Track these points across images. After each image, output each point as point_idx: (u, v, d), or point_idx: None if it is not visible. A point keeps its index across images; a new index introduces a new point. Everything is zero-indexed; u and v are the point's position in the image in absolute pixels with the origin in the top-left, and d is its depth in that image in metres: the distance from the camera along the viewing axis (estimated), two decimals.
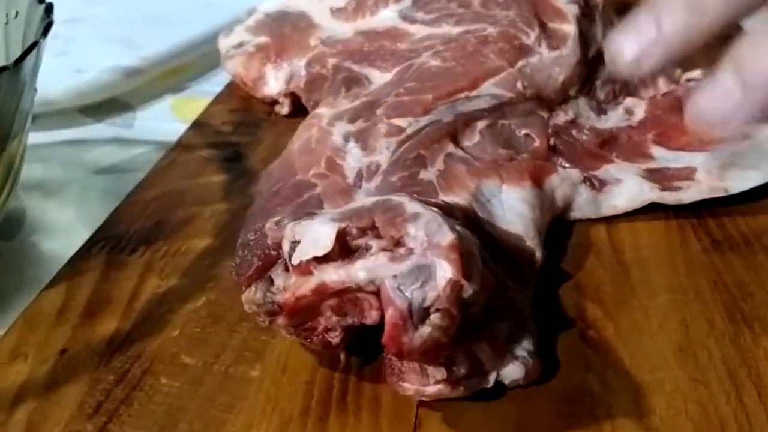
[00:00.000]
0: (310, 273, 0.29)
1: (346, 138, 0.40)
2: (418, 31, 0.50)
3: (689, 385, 0.32)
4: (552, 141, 0.44)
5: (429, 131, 0.40)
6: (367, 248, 0.29)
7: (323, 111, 0.43)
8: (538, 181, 0.40)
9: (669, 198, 0.42)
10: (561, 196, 0.41)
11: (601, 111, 0.49)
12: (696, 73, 0.54)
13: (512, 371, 0.31)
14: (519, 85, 0.46)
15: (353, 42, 0.51)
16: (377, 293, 0.28)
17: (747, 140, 0.44)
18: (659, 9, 0.29)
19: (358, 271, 0.28)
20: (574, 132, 0.45)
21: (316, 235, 0.29)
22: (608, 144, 0.45)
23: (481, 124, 0.43)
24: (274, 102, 0.53)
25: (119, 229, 0.41)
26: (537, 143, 0.43)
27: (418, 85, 0.45)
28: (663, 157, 0.44)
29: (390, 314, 0.27)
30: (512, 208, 0.37)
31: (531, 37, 0.48)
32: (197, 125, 0.52)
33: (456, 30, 0.50)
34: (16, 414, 0.31)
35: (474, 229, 0.33)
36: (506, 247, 0.36)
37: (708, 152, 0.44)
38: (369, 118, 0.42)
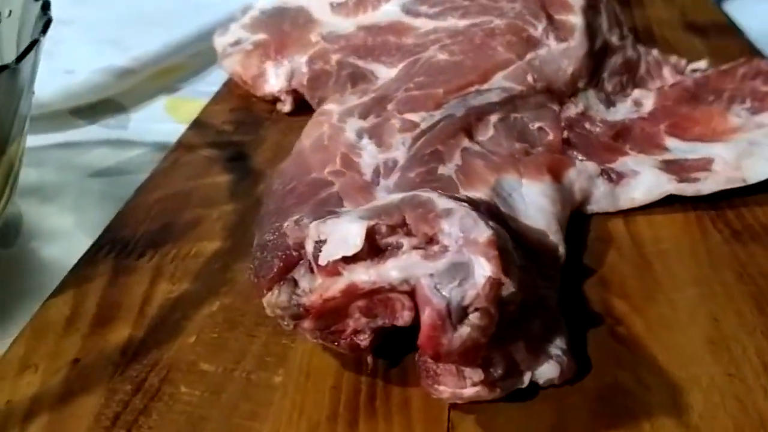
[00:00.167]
0: (338, 273, 0.28)
1: (360, 134, 0.39)
2: (423, 24, 0.49)
3: (725, 379, 0.31)
4: (565, 134, 0.43)
5: (443, 126, 0.39)
6: (398, 246, 0.28)
7: (332, 107, 0.42)
8: (556, 174, 0.39)
9: (687, 189, 0.41)
10: (579, 189, 0.40)
11: (610, 103, 0.48)
12: (701, 64, 0.54)
13: (547, 370, 0.30)
14: (529, 78, 0.45)
15: (356, 37, 0.50)
16: (411, 293, 0.27)
17: (762, 129, 0.44)
18: None
19: (390, 271, 0.27)
20: (586, 125, 0.45)
21: (345, 233, 0.28)
22: (621, 136, 0.44)
23: (493, 118, 0.42)
24: (275, 100, 0.52)
25: (125, 233, 0.40)
26: (551, 136, 0.42)
27: (428, 80, 0.44)
28: (678, 148, 0.44)
29: (427, 315, 0.26)
30: (533, 203, 0.36)
31: (538, 29, 0.48)
32: (197, 125, 0.50)
33: (462, 23, 0.49)
34: (30, 428, 0.29)
35: (499, 225, 0.32)
36: (530, 243, 0.35)
37: (723, 142, 0.43)
38: (380, 113, 0.41)
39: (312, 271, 0.30)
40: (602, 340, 0.33)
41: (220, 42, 0.56)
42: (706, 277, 0.37)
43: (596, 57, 0.49)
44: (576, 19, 0.49)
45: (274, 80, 0.51)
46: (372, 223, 0.28)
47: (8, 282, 0.41)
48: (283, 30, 0.53)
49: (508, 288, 0.26)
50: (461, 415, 0.30)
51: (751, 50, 0.62)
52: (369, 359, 0.30)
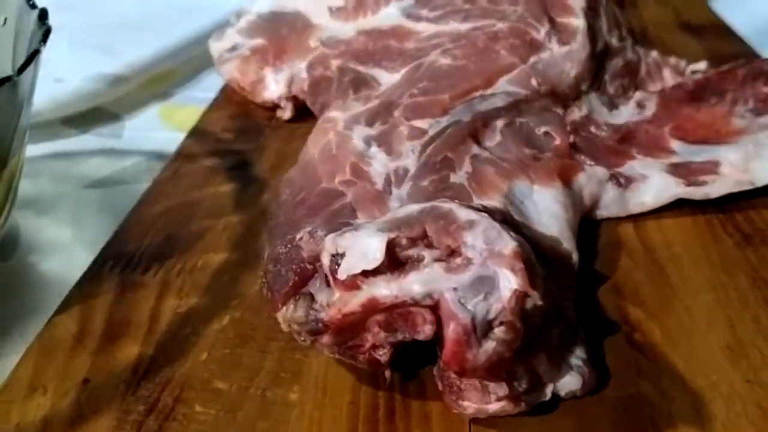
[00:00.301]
0: (357, 287, 0.28)
1: (368, 142, 0.38)
2: (424, 28, 0.49)
3: (745, 387, 0.31)
4: (571, 138, 0.43)
5: (451, 132, 0.39)
6: (419, 259, 0.27)
7: (336, 114, 0.42)
8: (566, 180, 0.39)
9: (696, 193, 0.41)
10: (588, 194, 0.40)
11: (612, 106, 0.48)
12: (700, 65, 0.54)
13: (569, 382, 0.29)
14: (533, 82, 0.45)
15: (356, 42, 0.50)
16: (433, 307, 0.27)
17: (767, 131, 0.44)
18: None
19: (412, 284, 0.27)
20: (592, 128, 0.44)
21: (365, 247, 0.27)
22: (627, 139, 0.44)
23: (500, 123, 0.41)
24: (275, 106, 0.51)
25: (129, 246, 0.39)
26: (558, 141, 0.42)
27: (432, 85, 0.43)
28: (684, 150, 0.43)
29: (452, 330, 0.25)
30: (546, 210, 0.36)
31: (541, 32, 0.47)
32: (196, 133, 0.50)
33: (464, 27, 0.48)
34: None
35: (517, 234, 0.31)
36: (544, 251, 0.34)
37: (729, 144, 0.43)
38: (386, 120, 0.40)
39: (329, 284, 0.29)
40: (620, 349, 0.33)
41: (216, 47, 0.55)
42: (720, 282, 0.37)
43: (598, 59, 0.49)
44: (578, 22, 0.48)
45: (274, 86, 0.50)
46: (392, 235, 0.27)
47: (7, 297, 0.40)
48: (281, 35, 0.52)
49: (535, 300, 0.25)
50: (482, 429, 0.29)
51: (745, 50, 0.62)
52: (387, 374, 0.30)
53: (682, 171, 0.42)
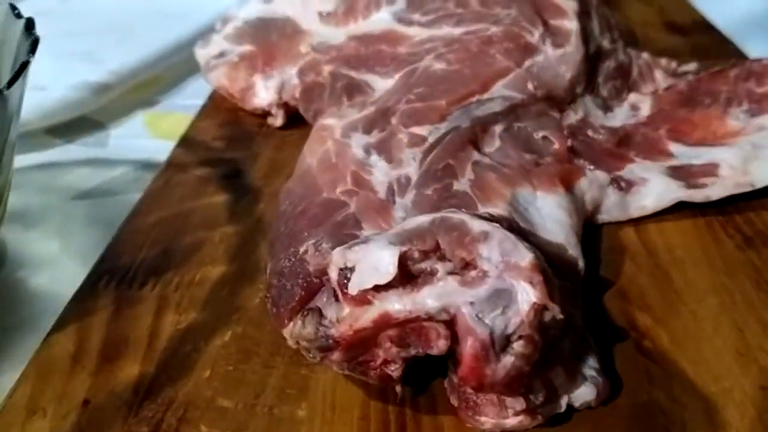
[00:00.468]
0: (368, 302, 0.27)
1: (367, 150, 0.38)
2: (416, 33, 0.48)
3: (757, 392, 0.31)
4: (569, 142, 0.42)
5: (451, 139, 0.38)
6: (432, 272, 0.27)
7: (332, 122, 0.41)
8: (568, 185, 0.38)
9: (697, 196, 0.41)
10: (590, 199, 0.39)
11: (607, 108, 0.48)
12: (691, 66, 0.54)
13: (584, 393, 0.29)
14: (530, 86, 0.44)
15: (348, 47, 0.49)
16: (448, 322, 0.26)
17: (764, 131, 0.44)
18: None
19: (426, 299, 0.26)
20: (589, 132, 0.44)
21: (376, 260, 0.26)
22: (624, 143, 0.44)
23: (498, 129, 0.41)
24: (265, 113, 0.50)
25: (123, 260, 0.38)
26: (556, 145, 0.41)
27: (428, 90, 0.43)
28: (682, 153, 0.43)
29: (470, 345, 0.25)
30: (550, 216, 0.36)
31: (535, 35, 0.47)
32: (186, 142, 0.49)
33: (457, 31, 0.48)
34: None
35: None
36: (551, 258, 0.33)
37: (727, 146, 0.43)
38: (384, 127, 0.40)
39: (337, 299, 0.28)
40: (630, 356, 0.33)
41: (202, 54, 0.54)
42: (724, 285, 0.36)
43: (591, 62, 0.49)
44: (571, 24, 0.48)
45: (264, 93, 0.50)
46: (404, 248, 0.26)
47: None
48: (270, 41, 0.52)
49: (554, 313, 0.25)
50: None
51: (731, 48, 0.62)
52: (398, 389, 0.29)
53: (682, 174, 0.41)
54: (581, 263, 0.35)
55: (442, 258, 0.27)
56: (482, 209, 0.34)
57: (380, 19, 0.50)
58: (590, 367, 0.29)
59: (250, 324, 0.34)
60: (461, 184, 0.35)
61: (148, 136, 0.57)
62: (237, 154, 0.47)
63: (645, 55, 0.54)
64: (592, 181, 0.39)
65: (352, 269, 0.27)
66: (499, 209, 0.34)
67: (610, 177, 0.40)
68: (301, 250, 0.31)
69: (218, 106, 0.53)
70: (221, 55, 0.53)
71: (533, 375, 0.27)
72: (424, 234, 0.27)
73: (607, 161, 0.42)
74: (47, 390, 0.31)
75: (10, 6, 0.41)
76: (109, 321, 0.34)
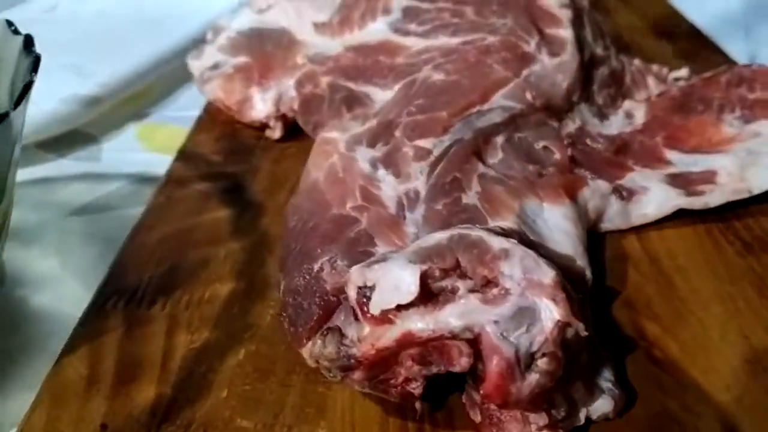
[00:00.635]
0: (389, 321, 0.27)
1: (374, 164, 0.38)
2: (413, 43, 0.48)
3: (767, 399, 0.31)
4: (569, 152, 0.43)
5: (455, 151, 0.39)
6: (453, 290, 0.27)
7: (335, 135, 0.41)
8: (572, 195, 0.39)
9: (696, 203, 0.41)
10: (593, 208, 0.40)
11: (603, 116, 0.49)
12: (682, 72, 0.55)
13: (602, 405, 0.29)
14: (528, 96, 0.44)
15: (344, 58, 0.49)
16: (471, 340, 0.26)
17: (759, 137, 0.45)
18: None
19: (449, 318, 0.26)
20: (588, 141, 0.44)
21: (397, 279, 0.27)
22: (623, 151, 0.44)
23: (500, 140, 0.41)
24: (262, 126, 0.50)
25: (130, 279, 0.38)
26: (557, 155, 0.42)
27: (429, 102, 0.43)
28: (680, 161, 0.44)
29: (496, 364, 0.25)
30: (557, 227, 0.36)
31: (531, 44, 0.47)
32: (185, 156, 0.48)
33: (454, 41, 0.48)
34: None
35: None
36: (561, 269, 0.34)
37: (723, 153, 0.44)
38: (388, 140, 0.40)
39: (356, 318, 0.28)
40: (641, 366, 0.33)
41: (196, 66, 0.54)
42: (728, 293, 0.37)
43: (586, 70, 0.49)
44: (566, 33, 0.48)
45: (261, 105, 0.49)
46: (425, 267, 0.27)
47: (2, 334, 0.38)
48: (265, 52, 0.51)
49: (580, 330, 0.25)
50: None
51: (719, 53, 0.63)
52: (418, 405, 0.29)
53: (681, 181, 0.42)
54: (589, 273, 0.35)
55: (463, 276, 0.27)
56: (492, 223, 0.34)
57: (376, 30, 0.50)
58: (606, 379, 0.30)
59: (264, 342, 0.34)
60: (469, 198, 0.35)
61: (141, 149, 0.56)
62: (237, 167, 0.47)
63: (637, 62, 0.54)
64: (594, 190, 0.40)
65: (371, 288, 0.27)
66: (508, 222, 0.34)
67: (611, 186, 0.40)
68: (316, 267, 0.31)
69: (214, 118, 0.52)
70: (216, 66, 0.52)
71: (555, 390, 0.27)
72: (444, 252, 0.27)
73: (607, 170, 0.42)
74: (63, 415, 0.30)
75: (6, 22, 0.40)
76: (121, 342, 0.34)
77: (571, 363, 0.27)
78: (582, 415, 0.29)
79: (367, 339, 0.27)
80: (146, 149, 0.56)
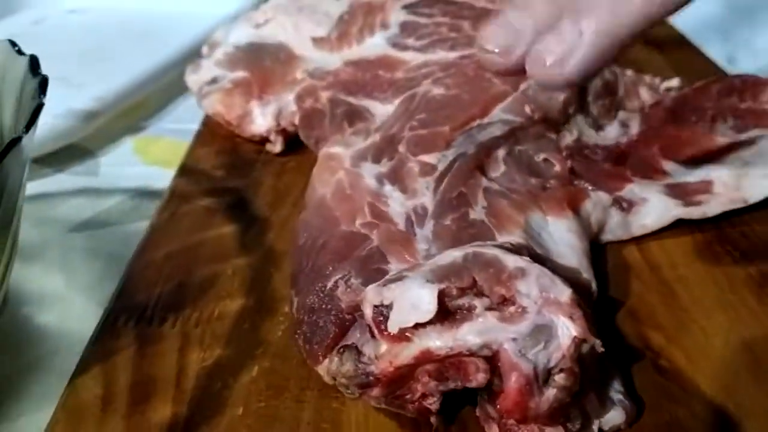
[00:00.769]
0: (407, 339, 0.28)
1: (380, 180, 0.38)
2: (412, 58, 0.49)
3: None
4: (569, 163, 0.43)
5: (459, 166, 0.39)
6: (470, 308, 0.27)
7: (339, 150, 0.41)
8: (575, 208, 0.39)
9: (694, 213, 0.42)
10: (595, 220, 0.40)
11: (598, 127, 0.49)
12: (673, 82, 0.56)
13: (613, 417, 0.30)
14: (527, 109, 0.45)
15: (344, 72, 0.49)
16: (488, 357, 0.27)
17: (752, 147, 0.46)
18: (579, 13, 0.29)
19: (467, 336, 0.27)
20: (586, 152, 0.45)
21: (415, 299, 0.27)
22: (620, 162, 0.45)
23: (501, 153, 0.42)
24: (262, 140, 0.50)
25: (139, 297, 0.38)
26: (558, 167, 0.42)
27: (430, 116, 0.43)
28: (677, 171, 0.45)
29: (515, 380, 0.26)
30: (562, 240, 0.37)
31: None
32: (186, 171, 0.48)
33: (452, 55, 0.48)
34: None
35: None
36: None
37: (718, 163, 0.45)
38: (392, 155, 0.40)
39: (373, 335, 0.29)
40: (648, 376, 0.34)
41: (194, 80, 0.54)
42: (729, 301, 0.38)
43: None
44: None
45: (261, 120, 0.50)
46: (442, 286, 0.27)
47: (6, 354, 0.38)
48: (264, 67, 0.52)
49: (597, 346, 0.26)
50: None
51: (706, 61, 0.64)
52: (434, 420, 0.30)
53: (679, 192, 0.43)
54: (594, 286, 0.36)
55: (479, 294, 0.27)
56: (500, 237, 0.34)
57: (374, 44, 0.51)
58: (616, 390, 0.31)
59: (276, 358, 0.34)
60: (476, 213, 0.36)
61: (139, 163, 0.57)
62: (239, 182, 0.47)
63: (629, 72, 0.55)
64: (596, 203, 0.40)
65: (388, 307, 0.28)
66: (515, 236, 0.35)
67: (612, 198, 0.41)
68: (329, 285, 0.32)
69: (213, 132, 0.53)
70: (214, 81, 0.53)
71: (571, 404, 0.28)
72: (461, 271, 0.28)
73: (606, 182, 0.43)
74: None
75: (10, 42, 0.41)
76: (134, 361, 0.34)
77: (584, 376, 0.28)
78: (595, 427, 0.29)
79: (384, 356, 0.28)
80: (144, 163, 0.57)
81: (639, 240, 0.42)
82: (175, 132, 0.59)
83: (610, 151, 0.46)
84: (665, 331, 0.36)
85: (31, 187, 0.52)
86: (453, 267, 0.28)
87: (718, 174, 0.43)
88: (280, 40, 0.53)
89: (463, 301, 0.27)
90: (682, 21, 0.72)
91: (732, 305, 0.37)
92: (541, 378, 0.26)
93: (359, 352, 0.29)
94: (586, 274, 0.36)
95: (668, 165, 0.45)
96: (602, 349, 0.26)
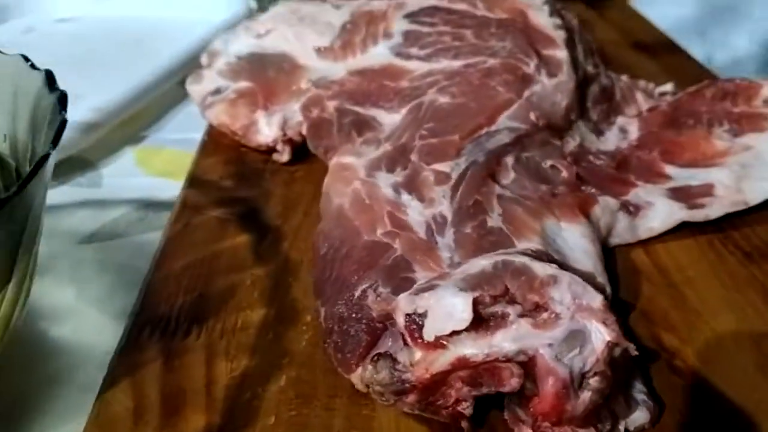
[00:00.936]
0: (442, 347, 0.28)
1: (396, 189, 0.39)
2: (416, 67, 0.50)
3: None
4: (575, 169, 0.44)
5: (472, 174, 0.40)
6: (503, 316, 0.28)
7: (351, 160, 0.42)
8: (585, 213, 0.40)
9: (698, 215, 0.43)
10: (604, 224, 0.41)
11: (599, 133, 0.51)
12: (667, 87, 0.57)
13: (638, 417, 0.31)
14: (532, 116, 0.46)
15: (349, 82, 0.50)
16: (523, 362, 0.28)
17: (750, 150, 0.47)
18: None
19: (502, 342, 0.28)
20: (590, 158, 0.46)
21: (449, 307, 0.28)
22: (623, 167, 0.46)
23: (510, 160, 0.43)
24: (269, 149, 0.51)
25: (161, 309, 0.38)
26: (565, 173, 0.43)
27: (439, 126, 0.44)
28: (678, 175, 0.46)
29: (552, 384, 0.27)
30: (577, 246, 0.38)
31: (531, 66, 0.49)
32: (195, 182, 0.49)
33: (456, 64, 0.49)
34: None
35: None
36: None
37: (718, 167, 0.46)
38: (406, 165, 0.41)
39: (406, 343, 0.30)
40: (664, 376, 0.35)
41: (196, 90, 0.54)
42: (736, 301, 0.39)
43: (581, 88, 0.51)
44: (562, 54, 0.50)
45: (267, 130, 0.50)
46: (476, 294, 0.28)
47: (24, 369, 0.38)
48: (267, 76, 0.52)
49: (631, 350, 0.27)
50: None
51: (699, 67, 0.66)
52: (465, 424, 0.31)
53: (682, 195, 0.44)
54: (608, 290, 0.37)
55: (512, 301, 0.28)
56: (519, 244, 0.35)
57: (378, 54, 0.51)
58: (639, 391, 0.31)
59: (302, 367, 0.35)
60: (494, 220, 0.37)
61: (141, 174, 0.57)
62: (249, 192, 0.48)
63: (625, 78, 0.56)
64: (604, 207, 0.41)
65: (422, 315, 0.29)
66: (534, 243, 0.36)
67: (619, 202, 0.42)
68: (357, 294, 0.32)
69: (218, 142, 0.53)
70: (217, 91, 0.53)
71: (601, 405, 0.28)
72: (492, 279, 0.28)
73: (612, 186, 0.44)
74: None
75: (23, 57, 0.41)
76: (162, 373, 0.35)
77: (613, 379, 0.29)
78: (622, 427, 0.30)
79: (420, 364, 0.28)
80: (146, 174, 0.57)
81: (645, 243, 0.43)
82: (176, 142, 0.59)
83: (612, 156, 0.47)
84: (678, 333, 0.37)
85: None
86: (484, 275, 0.29)
87: (718, 177, 0.45)
88: (283, 50, 0.54)
89: (496, 309, 0.28)
90: (663, 24, 0.74)
91: (739, 305, 0.39)
92: (576, 382, 0.27)
93: (394, 360, 0.30)
94: (601, 279, 0.37)
95: (669, 168, 0.47)
96: (636, 353, 0.27)
